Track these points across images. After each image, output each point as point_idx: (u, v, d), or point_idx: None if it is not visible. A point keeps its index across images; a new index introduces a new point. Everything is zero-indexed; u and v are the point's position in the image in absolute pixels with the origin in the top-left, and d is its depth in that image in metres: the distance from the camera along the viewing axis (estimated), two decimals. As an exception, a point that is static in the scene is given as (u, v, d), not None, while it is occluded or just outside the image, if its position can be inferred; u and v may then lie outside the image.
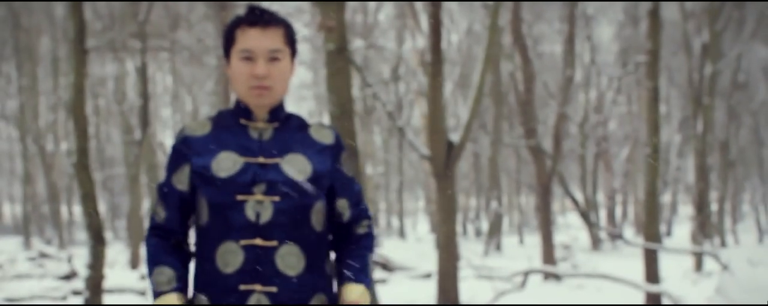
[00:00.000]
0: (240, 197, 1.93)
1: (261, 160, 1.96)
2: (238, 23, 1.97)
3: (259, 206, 1.93)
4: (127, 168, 20.92)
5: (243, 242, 1.93)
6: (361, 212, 2.12)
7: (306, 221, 1.97)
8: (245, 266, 1.92)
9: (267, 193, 1.94)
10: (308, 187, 1.97)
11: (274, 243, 1.93)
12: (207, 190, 1.96)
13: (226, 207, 1.93)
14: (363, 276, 2.04)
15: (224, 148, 1.98)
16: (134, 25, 13.17)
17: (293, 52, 2.02)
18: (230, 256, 1.93)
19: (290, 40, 2.00)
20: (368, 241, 2.11)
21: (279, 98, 2.01)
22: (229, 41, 1.98)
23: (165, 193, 2.05)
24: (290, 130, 2.03)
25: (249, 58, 1.94)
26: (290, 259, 1.94)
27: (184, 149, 2.01)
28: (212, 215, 1.96)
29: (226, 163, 1.95)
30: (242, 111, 2.02)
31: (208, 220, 1.97)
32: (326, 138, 2.06)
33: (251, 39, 1.94)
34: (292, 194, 1.95)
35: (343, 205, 2.08)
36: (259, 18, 1.95)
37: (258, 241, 1.93)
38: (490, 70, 14.21)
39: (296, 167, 1.97)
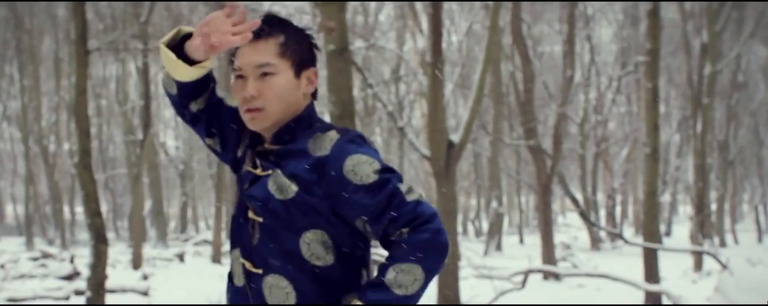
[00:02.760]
0: (247, 204, 1.74)
1: (258, 171, 1.74)
2: None
3: (254, 224, 1.71)
4: (129, 168, 20.99)
5: (241, 260, 1.73)
6: (393, 221, 1.62)
7: (295, 252, 1.66)
8: (245, 286, 1.73)
9: (256, 211, 1.71)
10: (289, 210, 1.66)
11: (259, 270, 1.69)
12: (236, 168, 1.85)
13: (237, 206, 1.77)
14: (371, 292, 1.60)
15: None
16: (136, 26, 13.23)
17: (299, 62, 1.73)
18: (236, 267, 1.76)
19: (290, 50, 1.72)
20: (400, 252, 1.60)
21: (277, 119, 1.72)
22: (232, 59, 1.77)
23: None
24: (295, 144, 1.73)
25: (241, 76, 1.72)
26: (277, 294, 1.67)
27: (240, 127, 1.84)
28: (236, 206, 1.79)
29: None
30: (252, 134, 1.81)
31: (234, 209, 1.80)
32: (321, 149, 1.67)
33: (241, 55, 1.71)
34: (275, 217, 1.67)
35: (360, 224, 1.66)
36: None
37: (247, 265, 1.71)
38: (490, 70, 14.26)
39: (279, 185, 1.67)
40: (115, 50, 13.99)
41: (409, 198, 1.62)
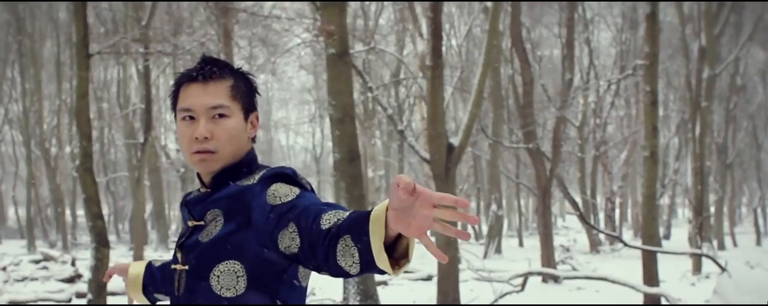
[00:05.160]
0: (173, 266, 1.75)
1: (191, 222, 1.73)
2: (181, 79, 1.73)
3: (178, 277, 1.72)
4: (130, 171, 21.06)
5: None
6: (319, 214, 1.47)
7: (207, 288, 1.63)
8: None
9: (183, 260, 1.71)
10: (208, 249, 1.65)
11: None
12: None
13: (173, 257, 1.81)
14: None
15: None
16: (137, 29, 13.29)
17: (247, 106, 1.73)
18: None
19: (240, 93, 1.71)
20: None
21: (226, 163, 1.70)
22: (173, 100, 1.75)
23: None
24: (231, 188, 1.69)
25: (191, 117, 1.68)
26: None
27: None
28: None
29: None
30: (198, 178, 1.78)
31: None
32: (250, 180, 1.68)
33: (191, 96, 1.68)
34: (197, 260, 1.66)
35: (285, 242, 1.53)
36: (199, 72, 1.69)
37: None
38: (489, 73, 14.31)
39: (207, 230, 1.68)
40: (116, 54, 14.04)
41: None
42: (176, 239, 1.78)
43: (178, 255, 1.72)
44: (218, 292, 1.61)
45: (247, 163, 1.72)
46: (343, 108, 8.41)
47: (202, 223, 1.69)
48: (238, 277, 1.60)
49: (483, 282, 10.97)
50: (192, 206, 1.74)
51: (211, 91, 1.67)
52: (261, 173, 1.65)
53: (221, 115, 1.67)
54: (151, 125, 15.66)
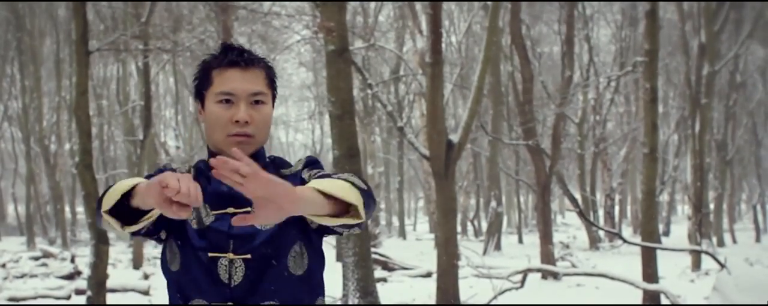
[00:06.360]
0: (212, 255, 1.70)
1: (230, 209, 1.72)
2: (215, 63, 1.75)
3: (231, 266, 1.69)
4: (129, 168, 21.07)
5: (215, 305, 1.70)
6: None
7: (284, 271, 1.72)
8: None
9: (236, 251, 1.69)
10: (277, 235, 1.71)
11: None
12: (178, 237, 1.75)
13: (196, 264, 1.72)
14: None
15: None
16: (136, 26, 13.28)
17: (274, 94, 1.80)
18: None
19: (271, 82, 1.78)
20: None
21: (259, 147, 1.77)
22: (203, 83, 1.76)
23: None
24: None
25: (228, 100, 1.71)
26: None
27: None
28: (183, 267, 1.74)
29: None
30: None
31: (179, 270, 1.74)
32: (296, 168, 1.81)
33: (231, 81, 1.71)
34: (265, 247, 1.70)
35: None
36: (240, 57, 1.73)
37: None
38: (489, 70, 14.32)
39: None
40: (115, 51, 14.04)
41: None
42: (199, 226, 1.72)
43: (227, 244, 1.69)
44: (293, 272, 1.72)
45: (265, 149, 1.83)
46: (342, 105, 8.41)
47: (250, 209, 1.64)
48: (303, 256, 1.74)
49: (482, 279, 10.98)
50: (217, 195, 1.72)
51: (250, 77, 1.72)
52: (301, 161, 1.82)
53: (259, 102, 1.73)
54: (150, 122, 15.68)
